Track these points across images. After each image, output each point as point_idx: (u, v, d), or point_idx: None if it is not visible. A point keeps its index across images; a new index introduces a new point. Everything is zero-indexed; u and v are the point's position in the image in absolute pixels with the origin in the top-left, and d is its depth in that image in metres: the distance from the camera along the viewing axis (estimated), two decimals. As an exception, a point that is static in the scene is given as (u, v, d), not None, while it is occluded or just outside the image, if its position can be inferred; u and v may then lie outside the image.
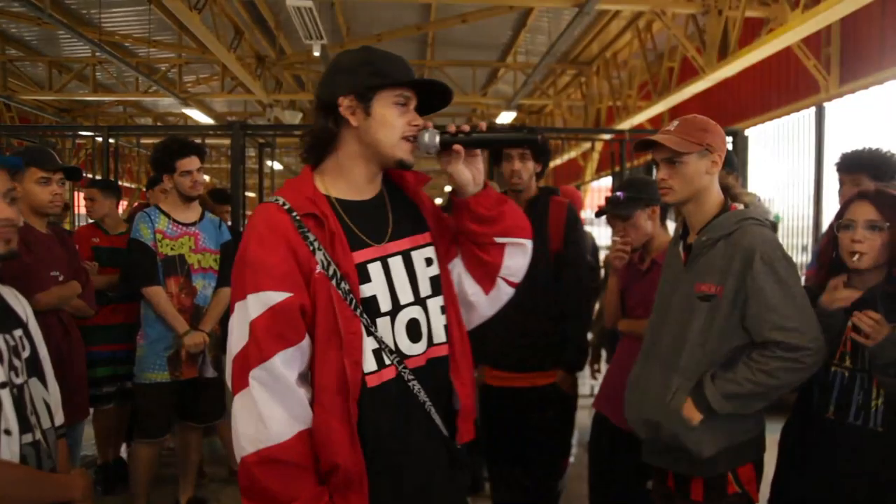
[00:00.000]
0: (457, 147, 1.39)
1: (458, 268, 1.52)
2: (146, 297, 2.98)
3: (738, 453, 1.80)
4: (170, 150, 3.04)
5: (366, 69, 1.33)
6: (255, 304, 1.25)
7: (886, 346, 1.67)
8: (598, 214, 2.73)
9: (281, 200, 1.33)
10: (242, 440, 1.25)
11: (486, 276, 1.50)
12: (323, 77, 1.41)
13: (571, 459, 4.08)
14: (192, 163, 3.04)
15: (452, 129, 1.37)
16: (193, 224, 3.13)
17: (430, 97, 1.42)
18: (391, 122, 1.33)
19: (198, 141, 4.54)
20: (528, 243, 1.52)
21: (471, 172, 1.42)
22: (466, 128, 1.38)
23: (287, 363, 1.26)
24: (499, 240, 1.46)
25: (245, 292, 1.27)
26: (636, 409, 1.94)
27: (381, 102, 1.33)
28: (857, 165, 2.61)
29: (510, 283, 1.54)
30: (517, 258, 1.51)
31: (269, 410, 1.23)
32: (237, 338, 1.27)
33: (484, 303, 1.54)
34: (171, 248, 3.04)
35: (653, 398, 1.86)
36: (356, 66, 1.35)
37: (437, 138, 1.36)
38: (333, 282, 1.28)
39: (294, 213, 1.30)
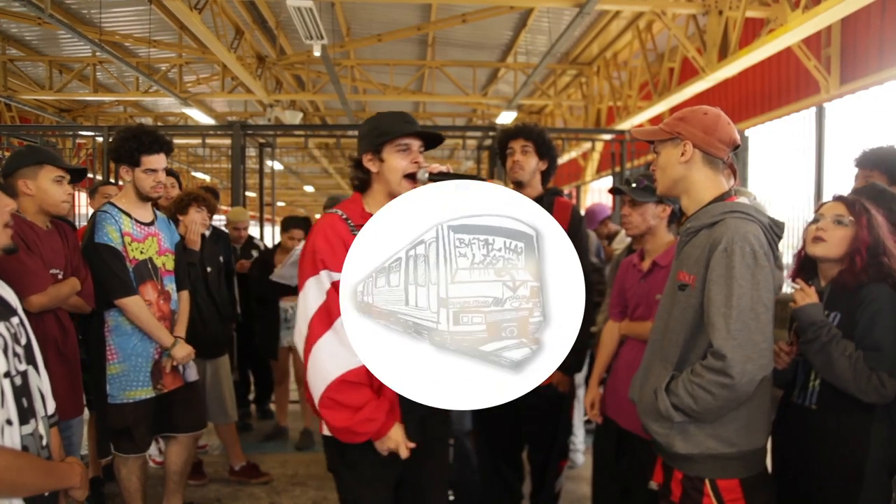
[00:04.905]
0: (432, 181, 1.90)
1: None
2: (123, 309, 2.71)
3: (719, 464, 1.69)
4: (138, 142, 2.73)
5: (375, 132, 1.92)
6: (326, 279, 1.81)
7: (802, 312, 1.89)
8: (611, 191, 2.72)
9: (341, 213, 1.90)
10: (331, 367, 1.77)
11: None
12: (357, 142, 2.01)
13: (581, 460, 4.09)
14: (158, 161, 2.78)
15: (433, 170, 1.89)
16: (152, 223, 2.89)
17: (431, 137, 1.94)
18: (394, 166, 1.90)
19: (196, 140, 4.50)
20: None
21: None
22: (441, 169, 1.89)
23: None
24: None
25: (317, 270, 1.82)
26: (634, 395, 1.91)
27: (388, 152, 1.90)
28: (871, 162, 2.63)
29: None
30: None
31: (346, 346, 1.70)
32: (313, 301, 1.82)
33: None
34: (141, 252, 2.79)
35: (640, 384, 1.86)
36: (369, 132, 1.93)
37: (426, 175, 1.87)
38: None
39: (349, 221, 1.88)
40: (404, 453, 1.82)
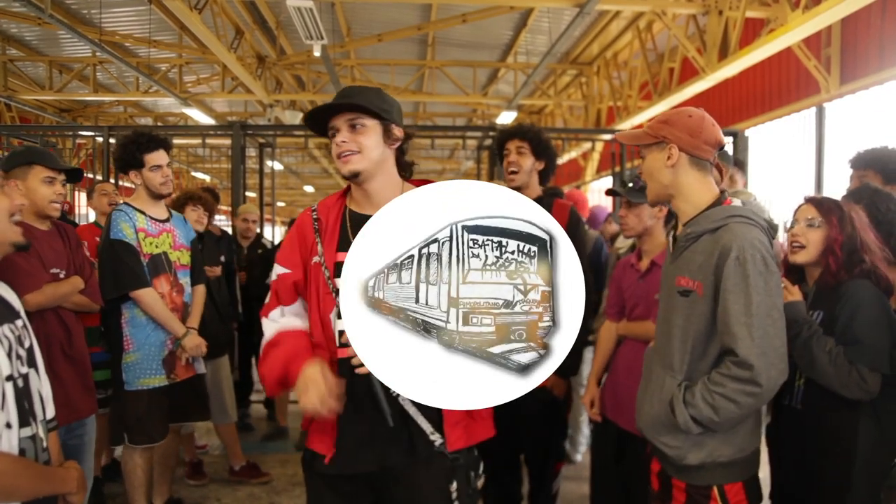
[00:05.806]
0: None
1: None
2: (137, 301, 2.84)
3: (726, 470, 1.69)
4: (137, 144, 2.88)
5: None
6: (273, 273, 1.79)
7: (784, 309, 1.82)
8: (608, 192, 2.76)
9: (314, 206, 1.80)
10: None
11: None
12: None
13: (579, 458, 4.10)
14: (160, 157, 2.92)
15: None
16: (167, 220, 3.03)
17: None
18: (332, 151, 1.71)
19: (196, 141, 4.53)
20: None
21: None
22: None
23: (276, 317, 1.76)
24: None
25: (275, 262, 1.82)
26: (639, 407, 1.87)
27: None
28: (865, 162, 2.66)
29: None
30: None
31: (278, 324, 1.75)
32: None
33: None
34: (156, 246, 2.93)
35: (650, 395, 1.80)
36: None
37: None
38: (323, 269, 1.69)
39: (315, 214, 1.77)
40: (325, 406, 1.52)
